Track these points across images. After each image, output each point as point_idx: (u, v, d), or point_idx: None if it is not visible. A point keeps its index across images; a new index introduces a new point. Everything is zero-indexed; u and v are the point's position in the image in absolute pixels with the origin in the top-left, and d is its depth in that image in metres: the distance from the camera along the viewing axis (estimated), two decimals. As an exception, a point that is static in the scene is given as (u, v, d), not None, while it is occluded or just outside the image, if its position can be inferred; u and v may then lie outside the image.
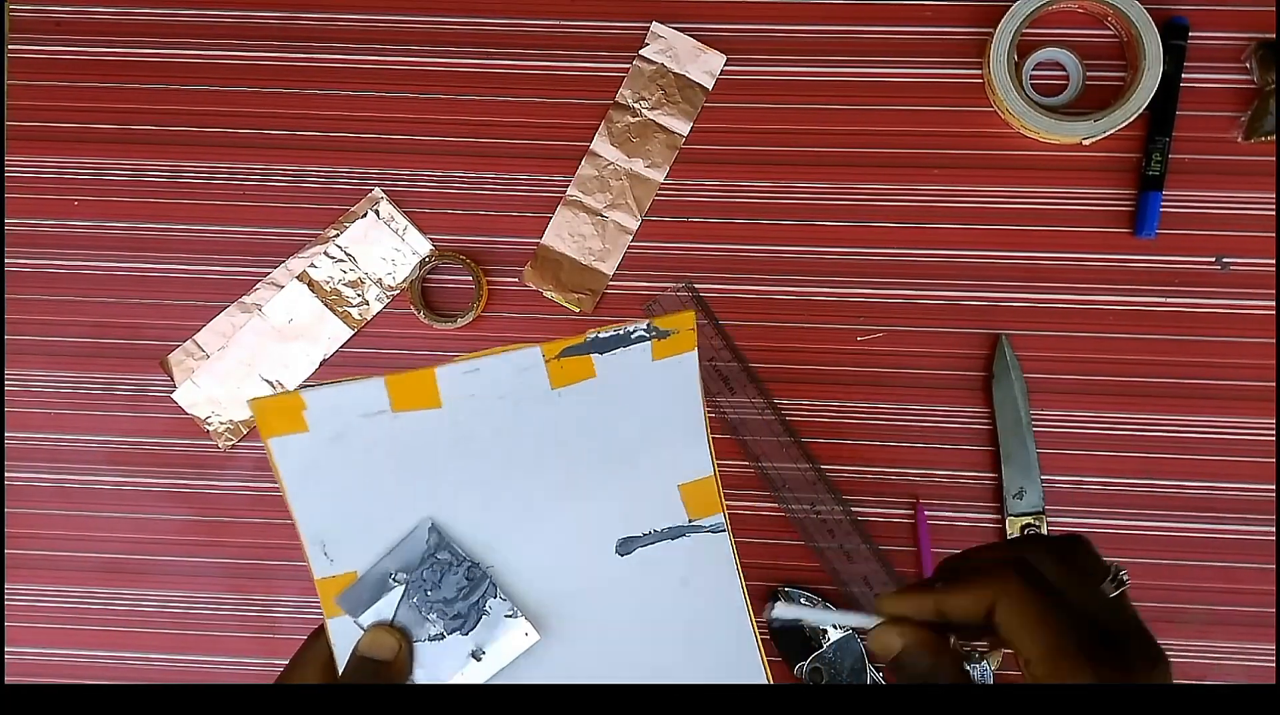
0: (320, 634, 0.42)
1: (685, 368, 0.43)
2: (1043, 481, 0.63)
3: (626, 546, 0.44)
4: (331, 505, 0.42)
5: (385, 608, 0.42)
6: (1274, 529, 0.63)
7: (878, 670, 0.61)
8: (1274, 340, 0.63)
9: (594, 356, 0.42)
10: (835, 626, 0.40)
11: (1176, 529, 0.63)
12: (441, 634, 0.42)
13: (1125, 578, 0.37)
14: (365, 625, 0.42)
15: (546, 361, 0.42)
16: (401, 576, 0.42)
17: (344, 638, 0.42)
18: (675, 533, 0.44)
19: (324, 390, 0.41)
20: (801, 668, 0.61)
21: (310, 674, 0.42)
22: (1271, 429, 0.63)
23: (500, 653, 0.42)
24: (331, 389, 0.41)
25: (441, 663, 0.42)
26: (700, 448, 0.44)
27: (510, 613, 0.42)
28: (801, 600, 0.41)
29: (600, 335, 0.42)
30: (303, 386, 0.41)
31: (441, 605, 0.42)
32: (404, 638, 0.42)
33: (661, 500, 0.44)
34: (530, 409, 0.42)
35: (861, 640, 0.41)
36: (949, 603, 0.37)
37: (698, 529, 0.44)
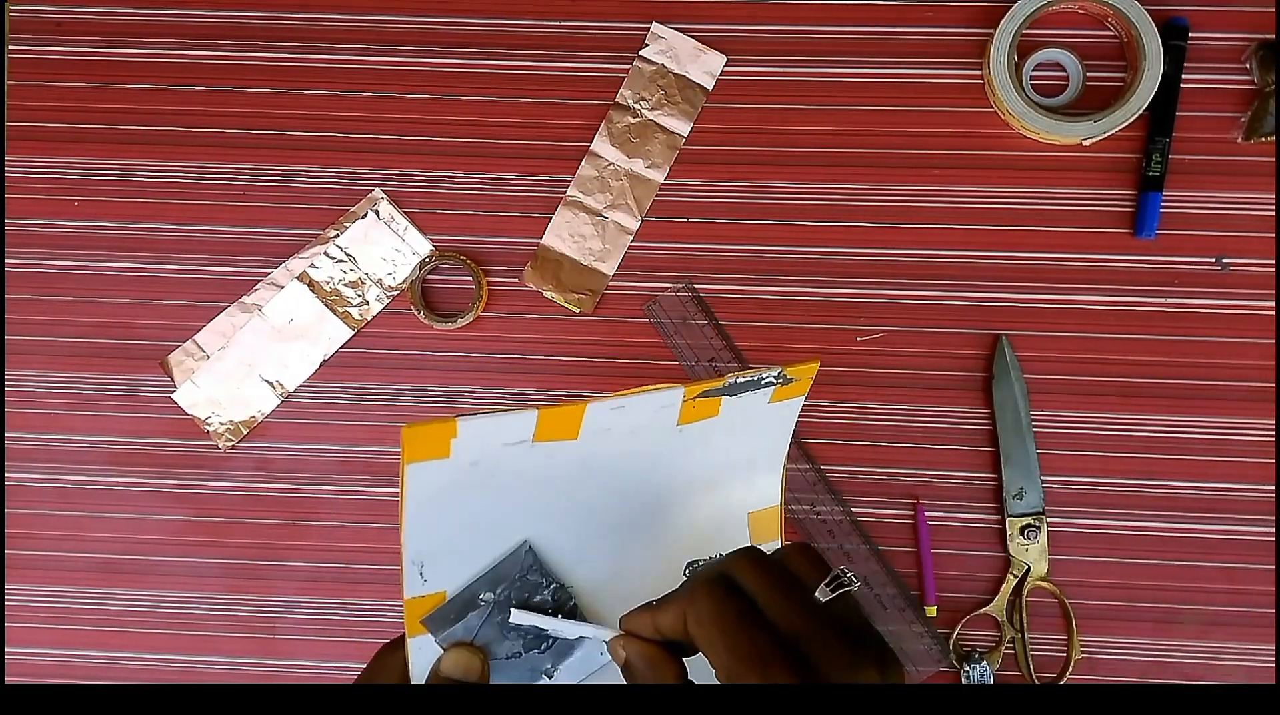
0: (392, 648, 0.42)
1: (791, 408, 0.45)
2: (1043, 481, 0.63)
3: (694, 569, 0.44)
4: (441, 529, 0.41)
5: (469, 628, 0.41)
6: (1274, 529, 0.63)
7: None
8: (1274, 340, 0.63)
9: (724, 398, 0.43)
10: (576, 636, 0.42)
11: (1176, 529, 0.63)
12: (520, 652, 0.42)
13: (852, 579, 0.37)
14: (445, 645, 0.41)
15: (684, 401, 0.42)
16: (488, 596, 0.41)
17: (423, 655, 0.41)
18: (558, 635, 0.44)
19: (479, 420, 0.39)
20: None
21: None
22: (1271, 429, 0.63)
23: (572, 671, 0.43)
24: (487, 419, 0.39)
25: (513, 678, 0.42)
26: (775, 480, 0.45)
27: (589, 634, 0.42)
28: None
29: (738, 380, 0.42)
30: (459, 415, 0.39)
31: (524, 625, 0.42)
32: (485, 658, 0.41)
33: (733, 526, 0.45)
34: (653, 443, 0.42)
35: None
36: (659, 619, 0.38)
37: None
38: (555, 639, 0.42)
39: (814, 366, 0.43)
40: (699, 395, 0.42)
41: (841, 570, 0.37)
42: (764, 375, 0.42)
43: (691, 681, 0.38)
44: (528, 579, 0.42)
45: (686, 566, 0.44)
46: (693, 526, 0.44)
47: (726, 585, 0.36)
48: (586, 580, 0.43)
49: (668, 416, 0.42)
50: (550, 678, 0.42)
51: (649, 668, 0.38)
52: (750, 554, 0.38)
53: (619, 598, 0.43)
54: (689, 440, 0.43)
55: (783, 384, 0.43)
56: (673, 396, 0.41)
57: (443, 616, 0.41)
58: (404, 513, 0.40)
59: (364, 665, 0.42)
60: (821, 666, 0.35)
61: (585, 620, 0.43)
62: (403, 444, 0.39)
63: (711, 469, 0.44)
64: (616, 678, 0.41)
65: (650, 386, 0.41)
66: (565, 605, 0.42)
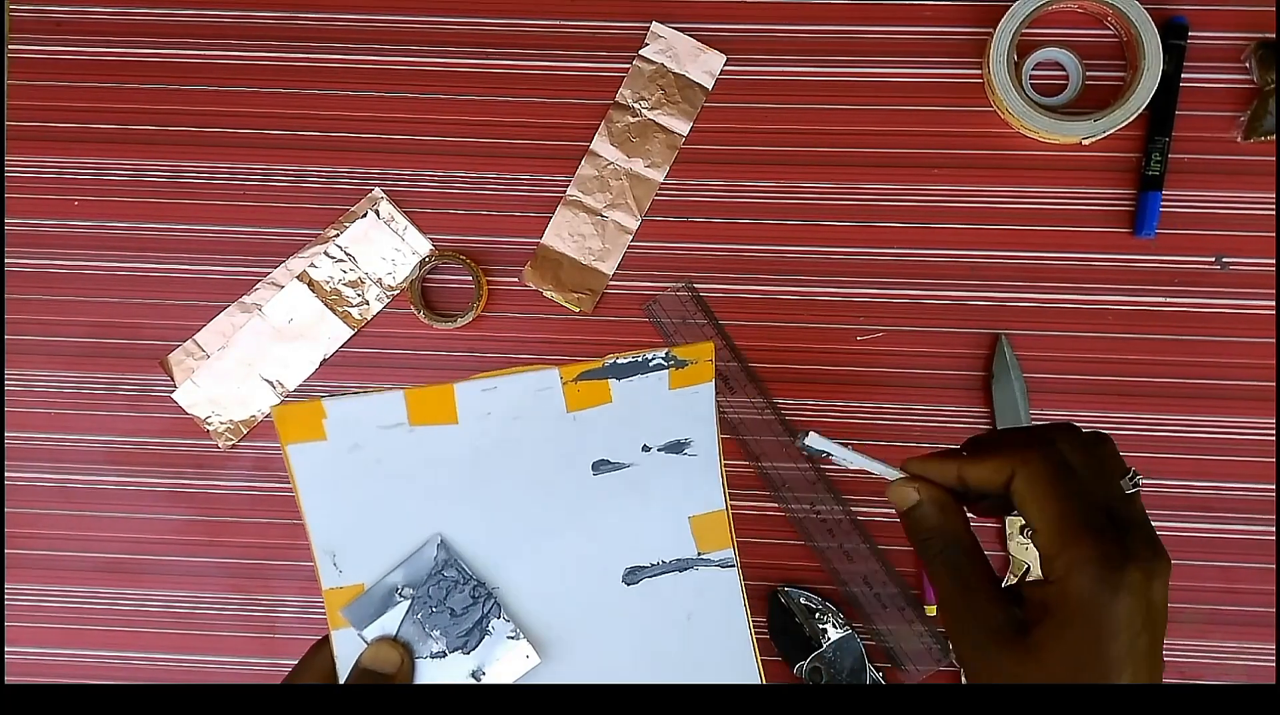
0: (323, 644, 0.42)
1: (702, 397, 0.44)
2: (1043, 481, 0.63)
3: (633, 576, 0.44)
4: (344, 516, 0.42)
5: (390, 622, 0.42)
6: (1274, 529, 0.63)
7: (878, 670, 0.61)
8: (1274, 340, 0.63)
9: (611, 381, 0.43)
10: (859, 468, 0.42)
11: (1177, 529, 0.63)
12: (444, 651, 0.42)
13: (1140, 481, 0.39)
14: (369, 638, 0.42)
15: (564, 384, 0.42)
16: (408, 591, 0.42)
17: (347, 649, 0.42)
18: (683, 565, 0.44)
19: (345, 401, 0.41)
20: (801, 667, 0.61)
21: (311, 682, 0.42)
22: (1271, 429, 0.63)
23: (500, 674, 0.42)
24: (353, 400, 0.41)
25: (441, 680, 0.42)
26: (713, 479, 0.45)
27: (513, 634, 0.42)
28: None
29: (618, 361, 0.42)
30: (325, 396, 0.41)
31: (445, 622, 0.42)
32: (407, 653, 0.42)
33: (672, 531, 0.44)
34: (544, 430, 0.42)
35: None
36: (971, 470, 0.40)
37: (706, 563, 0.44)
38: (481, 640, 0.42)
39: (708, 347, 0.43)
40: (579, 377, 0.42)
41: (1135, 469, 0.39)
42: (649, 356, 0.43)
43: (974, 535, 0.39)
44: (444, 575, 0.42)
45: (626, 572, 0.44)
46: (626, 529, 0.44)
47: (1054, 451, 0.38)
48: (508, 579, 0.43)
49: (551, 401, 0.42)
50: (479, 680, 0.42)
51: (941, 512, 0.40)
52: (1072, 431, 0.40)
53: (544, 599, 0.43)
54: (585, 428, 0.43)
55: (675, 366, 0.43)
56: (548, 378, 0.42)
57: (362, 609, 0.42)
58: (298, 496, 0.41)
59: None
60: (1128, 539, 0.37)
61: (511, 620, 0.42)
62: (276, 424, 0.41)
63: (633, 468, 0.44)
64: (542, 680, 0.41)
65: (521, 367, 0.42)
66: (485, 605, 0.42)
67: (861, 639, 0.61)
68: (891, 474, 0.41)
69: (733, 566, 0.44)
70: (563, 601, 0.43)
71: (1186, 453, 0.63)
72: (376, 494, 0.42)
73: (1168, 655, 0.63)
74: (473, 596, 0.42)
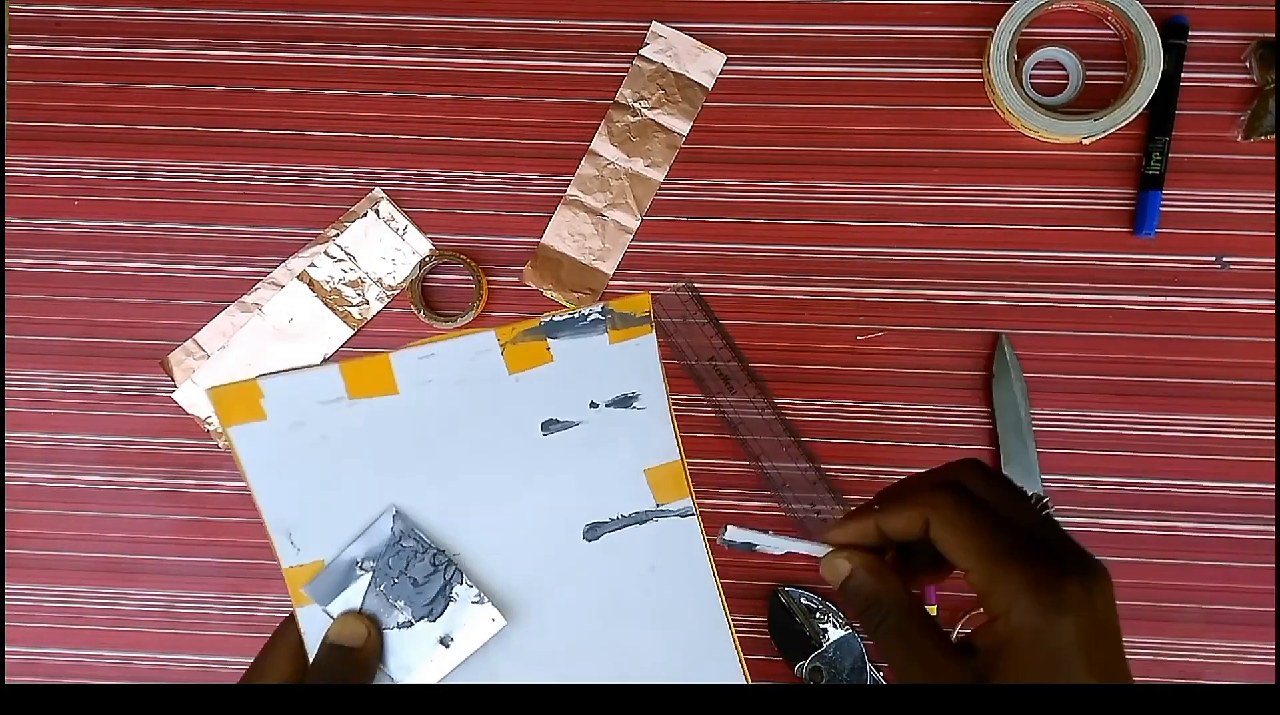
0: (290, 622, 0.43)
1: (644, 350, 0.44)
2: (1042, 480, 0.63)
3: (593, 532, 0.44)
4: (296, 494, 0.42)
5: (353, 595, 0.42)
6: (1274, 529, 0.63)
7: (878, 669, 0.61)
8: (1274, 340, 0.63)
9: (550, 341, 0.43)
10: (785, 552, 0.42)
11: (1176, 528, 0.63)
12: (410, 621, 0.42)
13: (1049, 505, 0.39)
14: (334, 613, 0.42)
15: (502, 346, 0.42)
16: (368, 564, 0.42)
17: (314, 625, 0.42)
18: (642, 517, 0.44)
19: (280, 377, 0.41)
20: (801, 667, 0.61)
21: (281, 661, 0.42)
22: (1271, 429, 0.63)
23: (468, 639, 0.42)
24: (287, 377, 0.41)
25: (411, 650, 0.42)
26: (665, 430, 0.44)
27: (477, 599, 0.42)
28: (756, 532, 0.41)
29: (554, 318, 0.42)
30: (260, 374, 0.41)
31: (409, 592, 0.42)
32: (373, 624, 0.42)
33: (628, 484, 0.44)
34: (489, 394, 0.43)
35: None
36: (887, 522, 0.39)
37: (665, 513, 0.44)
38: (446, 607, 0.42)
39: (645, 298, 0.43)
40: (515, 338, 0.42)
41: (1037, 494, 0.39)
42: (586, 312, 0.43)
43: (915, 596, 0.39)
44: (402, 545, 0.42)
45: (586, 529, 0.44)
46: (580, 486, 0.44)
47: (962, 490, 0.38)
48: (468, 544, 0.43)
49: (491, 364, 0.42)
50: (448, 647, 0.42)
51: (875, 577, 0.39)
52: (976, 465, 0.40)
53: (505, 561, 0.43)
54: (529, 388, 0.43)
55: (611, 321, 0.43)
56: (485, 341, 0.42)
57: (324, 585, 0.42)
58: (247, 477, 0.41)
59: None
60: (1058, 558, 0.37)
61: (474, 585, 0.42)
62: (214, 407, 0.41)
63: (581, 424, 0.44)
64: (511, 642, 0.42)
65: (457, 331, 0.42)
66: (446, 572, 0.42)
67: (861, 638, 0.61)
68: (818, 550, 0.41)
69: (692, 515, 0.44)
70: (524, 563, 0.43)
71: (1187, 452, 0.63)
72: (325, 469, 0.42)
73: (1168, 655, 0.63)
74: (433, 564, 0.42)
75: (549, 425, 0.43)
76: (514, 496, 0.43)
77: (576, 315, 0.43)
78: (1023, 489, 0.40)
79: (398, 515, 0.42)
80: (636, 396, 0.44)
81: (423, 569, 0.42)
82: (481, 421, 0.43)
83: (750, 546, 0.41)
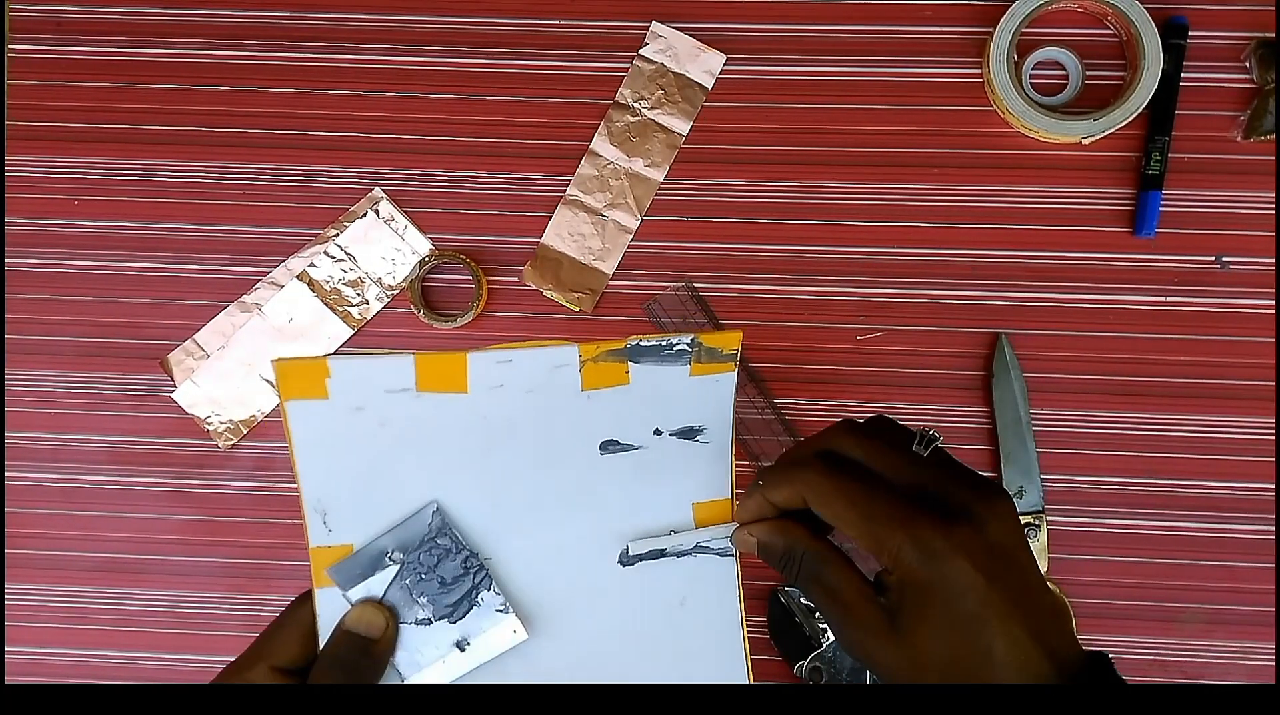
0: (303, 601, 0.42)
1: (722, 387, 0.43)
2: (1042, 481, 0.63)
3: (630, 558, 0.43)
4: (339, 476, 0.41)
5: (376, 585, 0.42)
6: (1274, 528, 0.63)
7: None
8: (1274, 340, 0.63)
9: (631, 364, 0.42)
10: (698, 546, 0.42)
11: (1177, 528, 0.63)
12: (429, 619, 0.42)
13: (935, 435, 0.39)
14: (354, 600, 0.42)
15: (582, 362, 0.41)
16: (398, 556, 0.42)
17: (329, 609, 0.41)
18: (681, 551, 0.44)
19: (352, 361, 0.41)
20: (801, 667, 0.61)
21: (290, 641, 0.41)
22: (1271, 429, 0.63)
23: (485, 646, 0.42)
24: (360, 360, 0.41)
25: (424, 648, 0.42)
26: (722, 467, 0.44)
27: (501, 607, 0.42)
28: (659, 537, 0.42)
29: (641, 343, 0.42)
30: (331, 354, 0.40)
31: (434, 590, 0.42)
32: (392, 617, 0.42)
33: (673, 515, 0.44)
34: (556, 407, 0.42)
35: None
36: (772, 495, 0.40)
37: (704, 549, 0.44)
38: (469, 610, 0.42)
39: (736, 337, 0.43)
40: (598, 357, 0.41)
41: (924, 429, 0.39)
42: (674, 341, 0.42)
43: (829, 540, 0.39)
44: (436, 542, 0.42)
45: (623, 553, 0.43)
46: (628, 509, 0.43)
47: (831, 458, 0.39)
48: (502, 552, 0.43)
49: (567, 378, 0.42)
50: (463, 651, 0.42)
51: (780, 535, 0.40)
52: (845, 425, 0.40)
53: (537, 574, 0.43)
54: (598, 407, 0.42)
55: (697, 354, 0.42)
56: (566, 355, 0.41)
57: (349, 570, 0.42)
58: (293, 452, 0.41)
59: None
60: (951, 502, 0.37)
61: (501, 593, 0.42)
62: (277, 379, 0.40)
63: (643, 450, 0.43)
64: (529, 655, 0.41)
65: (540, 341, 0.41)
66: (476, 576, 0.42)
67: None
68: (725, 530, 0.42)
69: (731, 555, 0.44)
70: (557, 578, 0.43)
71: (1186, 452, 0.63)
72: (376, 457, 0.41)
73: (1168, 654, 0.63)
74: (464, 567, 0.42)
75: (608, 445, 0.43)
76: (558, 512, 0.43)
77: (664, 342, 0.42)
78: (905, 430, 0.40)
79: (438, 511, 0.42)
80: (702, 430, 0.44)
81: (452, 569, 0.42)
82: (542, 434, 0.42)
83: (660, 552, 0.42)
